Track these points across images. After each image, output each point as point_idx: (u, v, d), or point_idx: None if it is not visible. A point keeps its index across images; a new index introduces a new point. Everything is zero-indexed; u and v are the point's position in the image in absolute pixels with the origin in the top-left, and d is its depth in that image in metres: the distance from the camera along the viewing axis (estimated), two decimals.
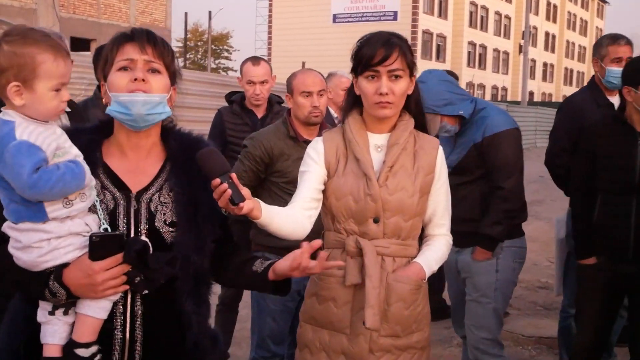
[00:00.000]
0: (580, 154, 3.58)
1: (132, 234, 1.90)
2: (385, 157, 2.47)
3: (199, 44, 54.11)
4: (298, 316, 2.73)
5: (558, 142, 4.26)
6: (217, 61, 55.18)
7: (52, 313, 1.82)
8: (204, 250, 1.96)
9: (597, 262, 3.51)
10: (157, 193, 1.96)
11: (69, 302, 1.82)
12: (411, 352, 2.51)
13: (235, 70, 47.52)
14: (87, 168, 1.80)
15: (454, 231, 2.61)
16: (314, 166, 2.51)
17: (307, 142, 3.47)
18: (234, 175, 1.90)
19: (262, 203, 2.15)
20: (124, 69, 1.91)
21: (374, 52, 2.41)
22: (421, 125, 2.60)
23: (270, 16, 48.51)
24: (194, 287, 1.95)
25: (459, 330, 3.93)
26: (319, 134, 3.48)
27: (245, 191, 1.96)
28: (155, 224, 1.92)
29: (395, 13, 43.79)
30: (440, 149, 2.57)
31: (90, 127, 2.04)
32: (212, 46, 48.41)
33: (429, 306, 2.59)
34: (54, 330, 1.82)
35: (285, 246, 3.34)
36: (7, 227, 1.79)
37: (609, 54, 4.13)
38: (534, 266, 7.59)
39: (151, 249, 1.84)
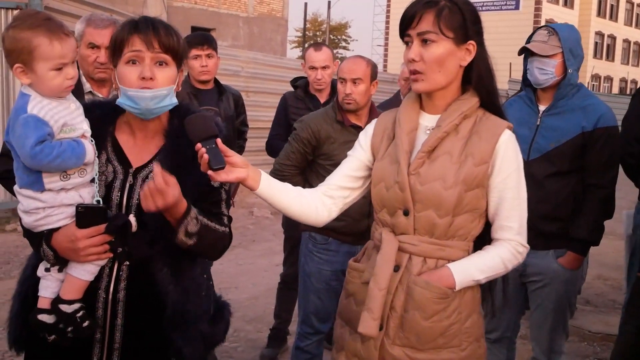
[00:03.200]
0: None
1: (124, 208, 2.04)
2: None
3: (317, 33, 54.61)
4: None
5: (630, 129, 4.05)
6: (335, 51, 55.38)
7: (48, 270, 2.02)
8: None
9: None
10: None
11: (55, 261, 2.00)
12: None
13: None
14: (89, 148, 1.96)
15: (530, 228, 2.17)
16: (358, 151, 2.32)
17: (354, 126, 3.58)
18: (219, 141, 1.90)
19: (264, 175, 2.09)
20: (132, 62, 1.99)
21: (404, 14, 2.12)
22: (490, 105, 2.19)
23: (388, 6, 48.24)
24: (172, 258, 2.05)
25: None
26: (369, 120, 3.59)
27: (238, 159, 1.96)
28: None
29: (517, 2, 42.39)
30: (506, 135, 2.13)
31: (107, 103, 2.19)
32: (331, 36, 48.73)
33: (475, 321, 2.19)
34: (47, 284, 2.02)
35: (331, 227, 3.45)
36: (15, 190, 2.00)
37: None
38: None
39: (134, 226, 1.98)
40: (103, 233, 1.96)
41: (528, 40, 3.35)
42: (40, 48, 1.88)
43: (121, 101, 2.03)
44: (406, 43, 2.14)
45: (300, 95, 4.60)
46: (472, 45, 2.12)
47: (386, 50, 47.23)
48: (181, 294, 2.07)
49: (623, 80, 52.26)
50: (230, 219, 2.21)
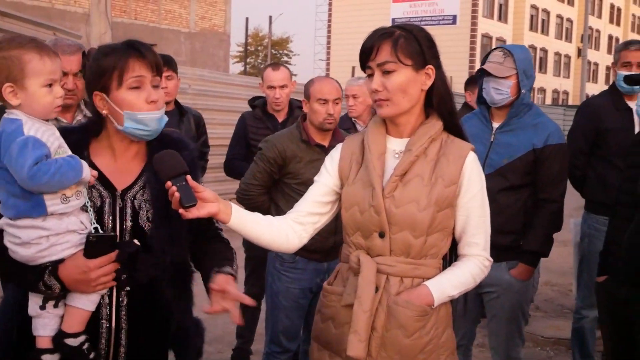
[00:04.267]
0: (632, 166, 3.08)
1: (118, 231, 2.03)
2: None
3: (259, 48, 54.69)
4: (312, 312, 2.68)
5: (575, 143, 4.30)
6: None
7: (43, 307, 1.96)
8: (178, 242, 2.06)
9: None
10: (141, 191, 2.09)
11: (59, 295, 1.95)
12: None
13: (295, 75, 47.86)
14: (84, 162, 1.94)
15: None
16: (324, 176, 2.37)
17: (319, 146, 3.65)
18: (189, 178, 1.91)
19: (235, 207, 2.12)
20: (135, 87, 2.02)
21: (362, 47, 2.24)
22: (452, 126, 2.31)
23: (329, 21, 48.68)
24: (174, 275, 2.07)
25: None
26: (332, 139, 3.68)
27: (208, 194, 1.99)
28: (139, 220, 2.05)
29: (454, 17, 43.47)
30: (471, 157, 2.25)
31: (79, 127, 2.18)
32: (272, 51, 48.86)
33: (449, 335, 2.29)
34: (44, 323, 1.96)
35: (305, 247, 3.48)
36: (4, 224, 1.91)
37: (620, 59, 4.20)
38: (570, 269, 7.53)
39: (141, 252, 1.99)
40: (114, 261, 1.96)
41: (483, 61, 3.51)
42: (32, 63, 1.88)
43: (128, 126, 2.03)
44: (368, 75, 2.25)
45: (259, 114, 4.64)
46: (431, 69, 2.23)
47: (328, 64, 47.61)
48: (183, 309, 2.12)
49: (555, 92, 54.03)
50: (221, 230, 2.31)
